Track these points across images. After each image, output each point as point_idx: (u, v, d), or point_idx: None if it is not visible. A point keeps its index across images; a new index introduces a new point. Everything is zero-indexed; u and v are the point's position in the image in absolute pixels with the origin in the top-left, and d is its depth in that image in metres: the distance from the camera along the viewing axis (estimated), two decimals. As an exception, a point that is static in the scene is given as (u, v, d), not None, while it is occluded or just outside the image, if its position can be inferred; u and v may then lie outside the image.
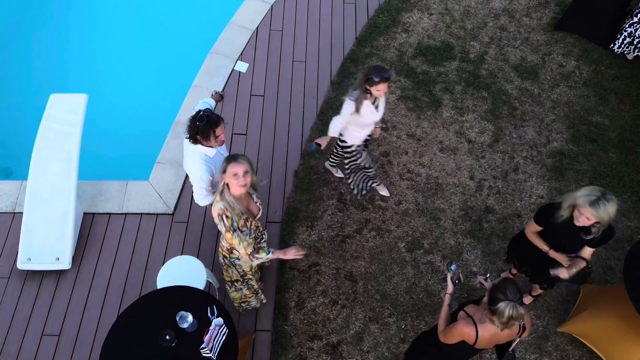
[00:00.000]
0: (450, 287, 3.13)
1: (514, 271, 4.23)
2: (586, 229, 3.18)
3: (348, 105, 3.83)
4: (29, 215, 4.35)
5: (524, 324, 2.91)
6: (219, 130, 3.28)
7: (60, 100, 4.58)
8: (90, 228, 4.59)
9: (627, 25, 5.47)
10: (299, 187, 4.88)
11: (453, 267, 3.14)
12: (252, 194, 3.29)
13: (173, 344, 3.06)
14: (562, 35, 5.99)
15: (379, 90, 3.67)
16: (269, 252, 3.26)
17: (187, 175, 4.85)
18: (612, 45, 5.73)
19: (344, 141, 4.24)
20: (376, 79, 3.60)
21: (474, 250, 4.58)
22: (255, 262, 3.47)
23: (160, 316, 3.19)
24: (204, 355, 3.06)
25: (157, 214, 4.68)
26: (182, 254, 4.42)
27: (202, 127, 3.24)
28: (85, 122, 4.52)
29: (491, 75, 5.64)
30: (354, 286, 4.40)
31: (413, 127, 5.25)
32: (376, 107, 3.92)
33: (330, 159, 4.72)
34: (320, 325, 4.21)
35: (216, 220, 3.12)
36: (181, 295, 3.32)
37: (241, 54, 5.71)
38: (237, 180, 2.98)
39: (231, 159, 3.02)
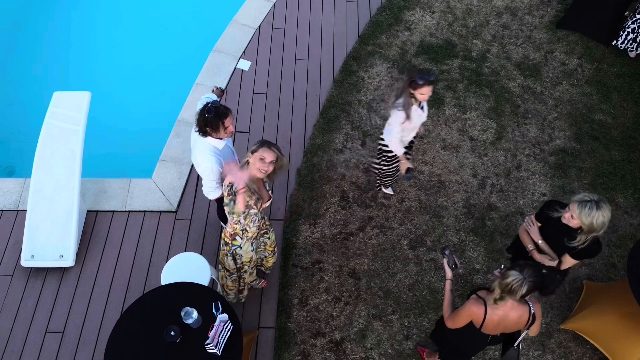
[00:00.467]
0: (448, 272, 3.16)
1: None
2: (570, 234, 3.13)
3: (397, 116, 3.76)
4: (33, 212, 4.35)
5: (534, 313, 2.89)
6: (227, 122, 3.30)
7: (63, 97, 4.58)
8: (93, 225, 4.60)
9: (630, 22, 5.47)
10: (301, 185, 4.88)
11: (447, 252, 3.17)
12: (265, 182, 3.36)
13: (178, 340, 3.07)
14: (564, 34, 5.99)
15: (423, 93, 3.61)
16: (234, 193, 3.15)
17: (190, 173, 4.86)
18: (614, 42, 5.72)
19: (389, 151, 4.16)
20: (420, 82, 3.55)
21: (477, 247, 4.58)
22: (243, 208, 3.31)
23: (165, 312, 3.20)
24: (208, 351, 3.06)
25: (160, 212, 4.69)
26: (185, 251, 4.44)
27: (211, 119, 3.26)
28: (88, 119, 4.53)
29: (493, 73, 5.64)
30: (357, 283, 4.40)
31: (416, 125, 5.26)
32: (421, 108, 3.87)
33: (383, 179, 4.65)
34: (324, 323, 4.22)
35: (225, 190, 3.16)
36: (186, 291, 3.33)
37: (244, 52, 5.72)
38: (262, 164, 3.09)
39: (265, 143, 3.13)
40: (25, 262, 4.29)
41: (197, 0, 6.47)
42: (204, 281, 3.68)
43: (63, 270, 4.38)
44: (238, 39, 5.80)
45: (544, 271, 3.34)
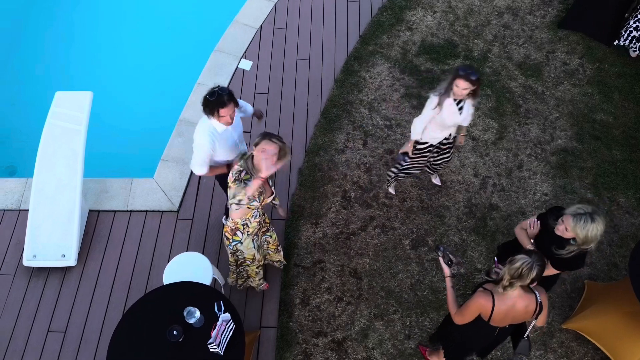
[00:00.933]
0: (445, 269, 3.16)
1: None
2: (560, 244, 3.11)
3: (431, 100, 3.75)
4: (35, 212, 4.36)
5: (540, 302, 2.89)
6: (223, 112, 3.32)
7: (65, 97, 4.59)
8: (95, 225, 4.61)
9: (632, 22, 5.46)
10: (303, 184, 4.89)
11: (441, 249, 3.18)
12: (268, 178, 3.37)
13: (180, 339, 3.07)
14: (565, 33, 5.99)
15: (458, 86, 3.56)
16: (247, 185, 3.20)
17: (191, 173, 4.87)
18: (616, 41, 5.72)
19: (421, 143, 4.12)
20: (460, 72, 3.52)
21: (479, 247, 4.59)
22: (245, 200, 3.33)
23: (168, 312, 3.21)
24: (211, 350, 3.07)
25: (162, 211, 4.69)
26: (187, 251, 4.43)
27: (209, 102, 3.30)
28: (90, 119, 4.53)
29: (495, 73, 5.64)
30: (358, 283, 4.41)
31: (417, 124, 5.26)
32: (460, 109, 3.81)
33: (392, 169, 4.61)
34: (325, 322, 4.22)
35: (232, 176, 3.18)
36: (188, 291, 3.33)
37: (245, 51, 5.72)
38: (264, 156, 3.10)
39: (267, 135, 3.15)
40: (27, 261, 4.29)
41: (199, 0, 6.47)
42: (206, 281, 3.68)
43: (65, 269, 4.38)
44: (239, 38, 5.80)
45: None
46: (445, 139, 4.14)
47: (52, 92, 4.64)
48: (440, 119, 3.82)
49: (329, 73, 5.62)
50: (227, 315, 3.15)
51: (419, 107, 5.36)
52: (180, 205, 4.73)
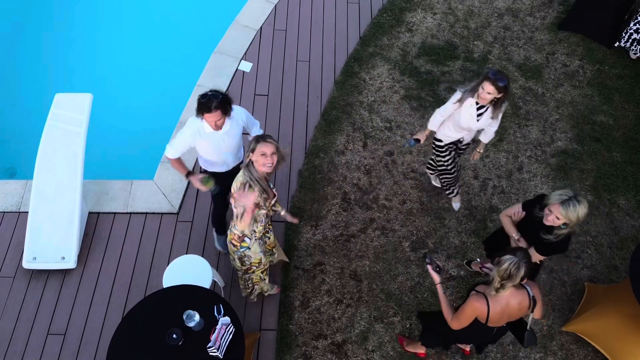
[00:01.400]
0: (435, 277, 3.18)
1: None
2: (548, 229, 3.17)
3: (455, 94, 3.74)
4: (35, 214, 4.36)
5: (533, 296, 2.92)
6: (207, 116, 3.35)
7: (65, 99, 4.59)
8: (95, 227, 4.60)
9: (632, 24, 5.46)
10: (303, 186, 4.88)
11: (427, 258, 3.20)
12: (267, 179, 3.36)
13: (180, 343, 3.07)
14: (565, 35, 5.99)
15: (484, 88, 3.52)
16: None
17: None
18: (616, 43, 5.72)
19: (438, 140, 4.11)
20: (490, 75, 3.47)
21: (479, 249, 4.58)
22: (251, 225, 3.43)
23: (167, 315, 3.20)
24: (210, 354, 3.06)
25: (162, 213, 4.69)
26: (187, 253, 4.43)
27: (199, 103, 3.34)
28: (90, 121, 4.53)
29: (495, 75, 5.63)
30: (358, 285, 4.40)
31: (417, 126, 5.26)
32: (479, 116, 3.75)
33: (429, 162, 4.65)
34: (325, 325, 4.22)
35: (237, 185, 3.18)
36: (188, 294, 3.33)
37: (245, 53, 5.72)
38: (265, 159, 3.10)
39: (260, 138, 3.15)
40: (27, 263, 4.29)
41: (199, 1, 6.47)
42: (206, 284, 3.68)
43: (65, 272, 4.38)
44: (239, 40, 5.80)
45: None
46: (460, 142, 4.12)
47: (52, 94, 4.63)
48: (457, 117, 3.78)
49: (329, 74, 5.61)
50: (227, 319, 3.14)
51: (419, 109, 5.36)
52: (180, 207, 4.72)
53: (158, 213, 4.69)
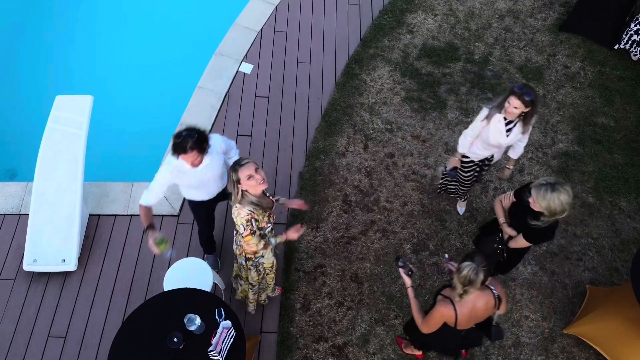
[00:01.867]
0: (407, 280, 3.21)
1: None
2: (535, 215, 3.21)
3: (482, 111, 3.67)
4: (35, 216, 4.35)
5: (498, 296, 2.97)
6: (184, 157, 3.19)
7: (65, 101, 4.59)
8: (96, 229, 4.60)
9: (632, 25, 5.45)
10: (304, 188, 4.88)
11: (400, 261, 3.21)
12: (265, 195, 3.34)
13: (181, 347, 3.06)
14: (566, 36, 5.98)
15: (510, 103, 3.44)
16: (276, 238, 3.38)
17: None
18: (617, 44, 5.71)
19: (466, 156, 4.04)
20: (516, 89, 3.40)
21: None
22: (269, 248, 3.48)
23: (168, 318, 3.20)
24: (211, 357, 3.06)
25: (163, 216, 4.68)
26: (187, 256, 4.44)
27: (173, 144, 3.17)
28: (90, 123, 4.53)
29: (496, 77, 5.63)
30: (359, 288, 4.40)
31: (418, 128, 5.25)
32: (508, 132, 3.69)
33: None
34: (326, 327, 4.21)
35: (240, 224, 3.15)
36: (189, 298, 3.32)
37: (246, 55, 5.71)
38: (255, 178, 3.04)
39: (236, 165, 3.06)
40: (27, 266, 4.29)
41: (199, 3, 6.47)
42: (207, 287, 3.67)
43: (65, 274, 4.38)
44: (240, 42, 5.79)
45: (495, 245, 3.62)
46: (488, 159, 4.06)
47: (53, 95, 4.63)
48: (485, 134, 3.71)
49: (329, 76, 5.61)
50: (228, 323, 3.14)
51: (419, 111, 5.35)
52: (180, 210, 4.72)
53: (159, 215, 4.68)
